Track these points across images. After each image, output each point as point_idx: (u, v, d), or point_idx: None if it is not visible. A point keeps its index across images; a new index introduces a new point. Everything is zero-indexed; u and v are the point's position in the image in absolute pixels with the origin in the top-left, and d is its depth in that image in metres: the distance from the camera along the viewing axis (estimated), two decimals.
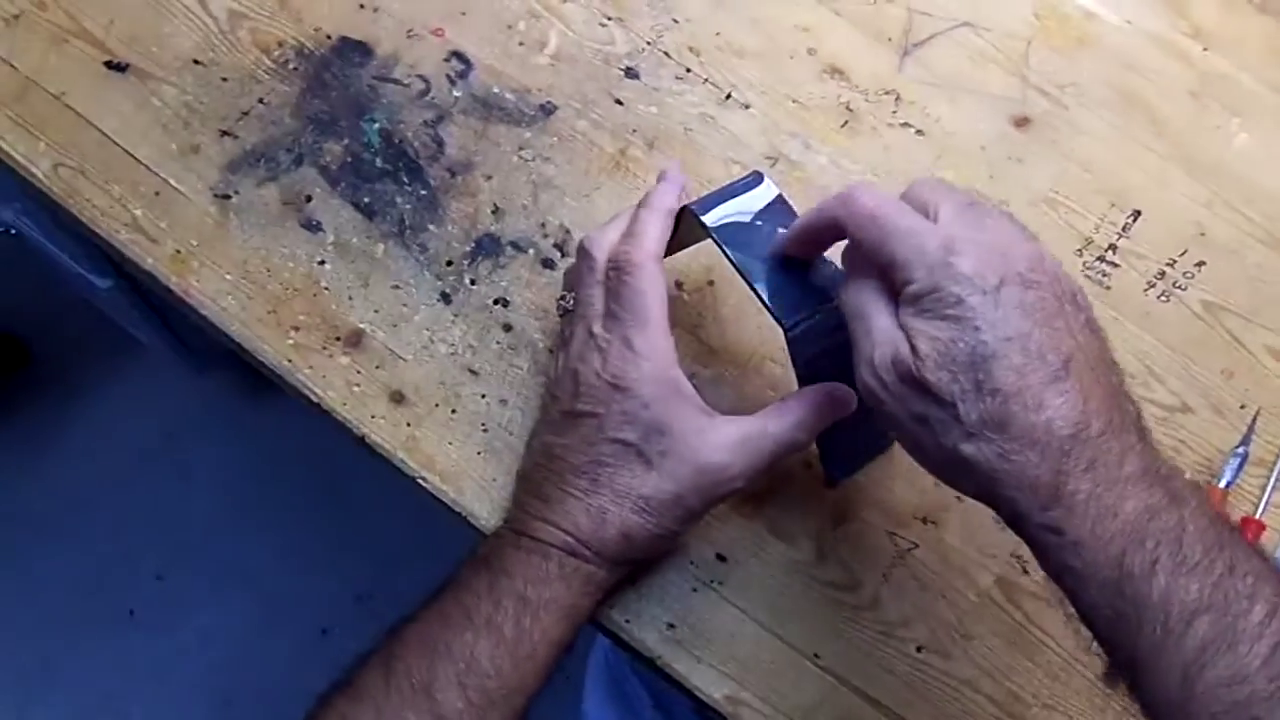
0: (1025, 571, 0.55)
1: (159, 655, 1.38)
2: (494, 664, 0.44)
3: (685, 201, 0.50)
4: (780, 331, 0.47)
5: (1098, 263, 0.62)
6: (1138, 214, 0.63)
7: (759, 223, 0.48)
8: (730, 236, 0.48)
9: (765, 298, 0.47)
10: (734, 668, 0.53)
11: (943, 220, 0.40)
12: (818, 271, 0.48)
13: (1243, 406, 0.59)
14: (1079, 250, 0.62)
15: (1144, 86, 0.66)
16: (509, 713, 0.45)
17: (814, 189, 0.61)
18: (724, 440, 0.47)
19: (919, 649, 0.54)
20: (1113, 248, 0.62)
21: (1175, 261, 0.62)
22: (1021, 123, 0.64)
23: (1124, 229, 0.63)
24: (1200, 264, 0.62)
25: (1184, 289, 0.62)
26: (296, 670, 1.35)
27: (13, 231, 0.97)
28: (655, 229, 0.49)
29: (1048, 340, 0.37)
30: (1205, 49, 0.68)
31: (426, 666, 0.44)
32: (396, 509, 1.44)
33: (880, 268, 0.40)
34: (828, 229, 0.44)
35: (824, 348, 0.48)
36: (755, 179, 0.50)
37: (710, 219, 0.48)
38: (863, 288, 0.41)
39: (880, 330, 0.40)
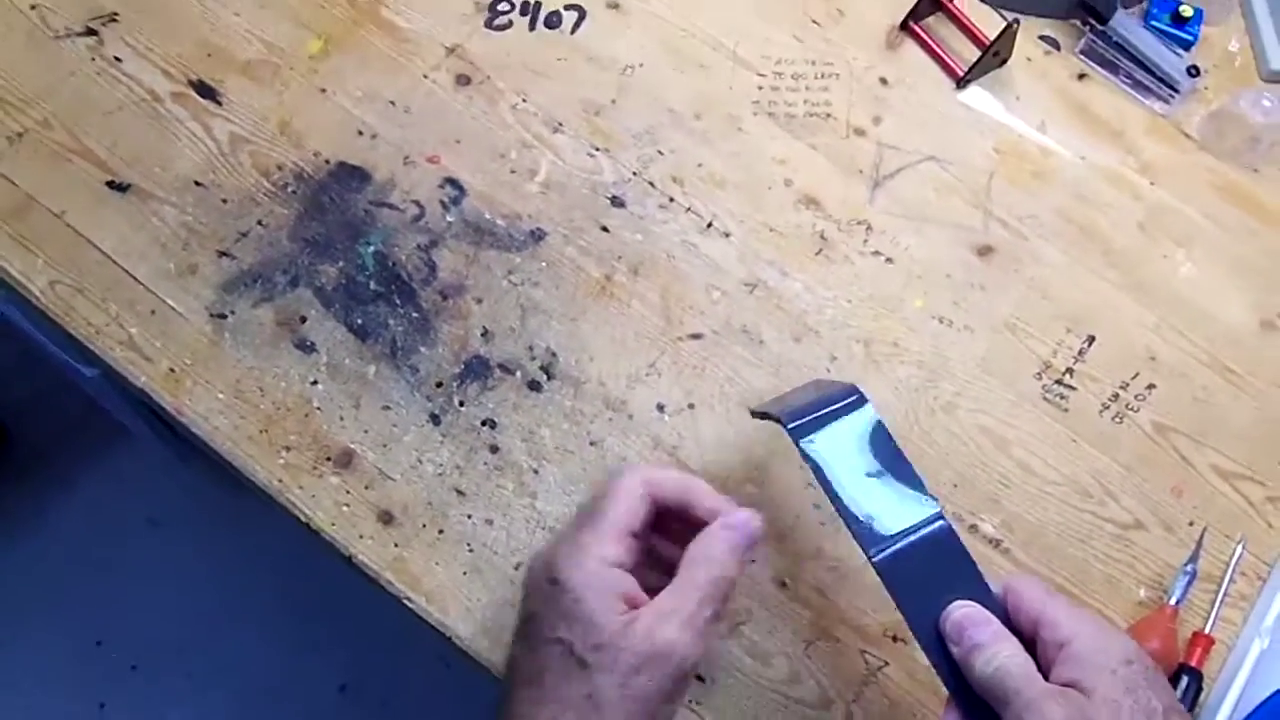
0: None
1: None
2: None
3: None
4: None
5: (1056, 385, 0.65)
6: (1092, 339, 0.67)
7: (859, 451, 0.48)
8: (831, 471, 0.47)
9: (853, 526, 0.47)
10: None
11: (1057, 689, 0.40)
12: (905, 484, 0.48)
13: (1191, 523, 0.62)
14: (1038, 374, 0.65)
15: (1097, 218, 0.70)
16: None
17: (790, 315, 0.64)
18: (657, 621, 0.43)
19: None
20: (1070, 371, 0.66)
21: (1128, 384, 0.66)
22: (984, 251, 0.68)
23: (1080, 353, 0.66)
24: (1151, 386, 0.66)
25: (1136, 410, 0.65)
26: None
27: None
28: (672, 478, 0.48)
29: None
30: (1152, 183, 0.72)
31: None
32: (380, 599, 1.43)
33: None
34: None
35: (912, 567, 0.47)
36: (857, 400, 0.49)
37: (817, 450, 0.48)
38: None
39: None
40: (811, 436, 0.48)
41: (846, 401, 0.49)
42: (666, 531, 0.49)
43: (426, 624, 0.55)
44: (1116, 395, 0.66)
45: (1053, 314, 0.67)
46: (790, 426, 0.48)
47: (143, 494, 1.47)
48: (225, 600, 1.42)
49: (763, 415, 0.51)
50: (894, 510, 0.47)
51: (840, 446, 0.48)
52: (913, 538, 0.46)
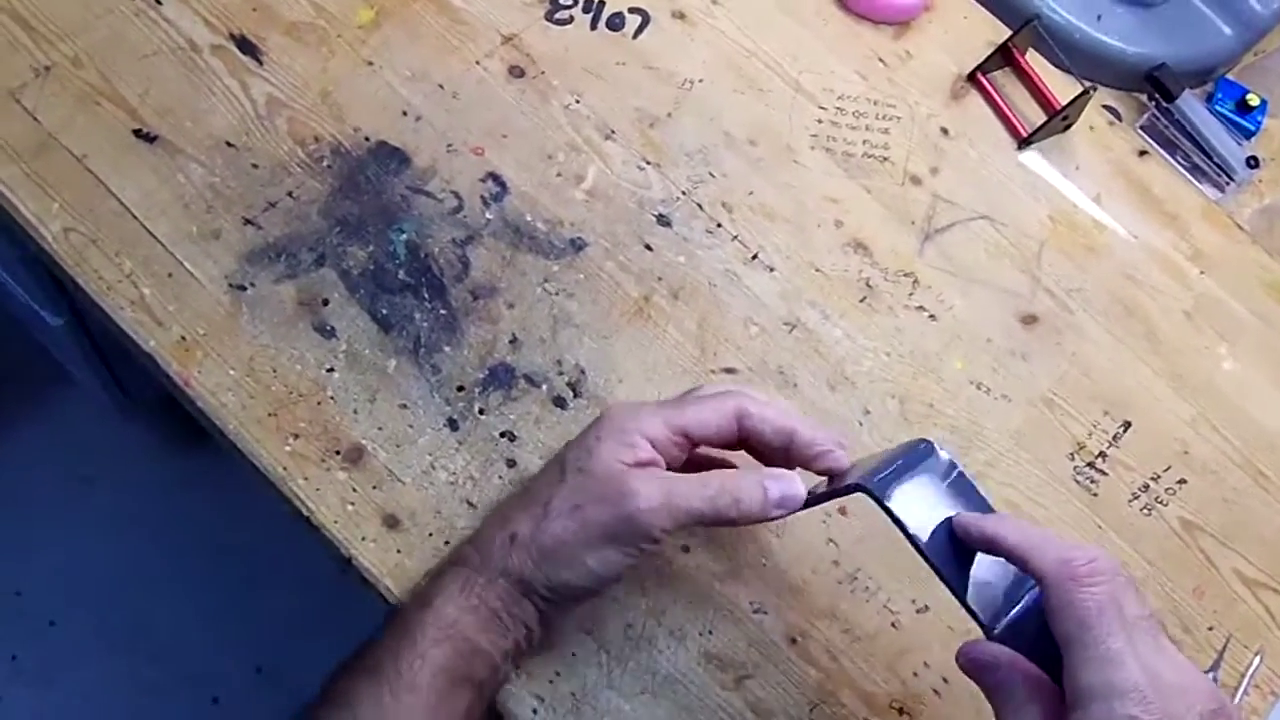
0: None
1: (38, 707, 1.30)
2: (373, 700, 0.42)
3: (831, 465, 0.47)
4: None
5: (1088, 468, 0.63)
6: (1128, 424, 0.65)
7: (940, 502, 0.45)
8: (907, 511, 0.44)
9: (966, 601, 0.43)
10: None
11: (1137, 650, 0.38)
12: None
13: (1210, 628, 0.61)
14: (1071, 454, 0.63)
15: (1144, 300, 0.69)
16: None
17: (828, 362, 0.62)
18: (640, 472, 0.45)
19: None
20: (1103, 455, 0.64)
21: (1159, 476, 0.64)
22: (1029, 320, 0.66)
23: (1114, 438, 0.64)
24: (1182, 481, 0.64)
25: (1165, 504, 0.63)
26: None
27: None
28: (774, 424, 0.46)
29: None
30: (1202, 272, 0.71)
31: (314, 717, 0.43)
32: (311, 583, 1.39)
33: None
34: (1020, 564, 0.42)
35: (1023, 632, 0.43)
36: (927, 449, 0.46)
37: (898, 506, 0.44)
38: (1020, 689, 0.40)
39: None
40: (890, 490, 0.44)
41: (917, 451, 0.46)
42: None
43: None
44: (1147, 486, 0.64)
45: (1091, 393, 0.65)
46: (867, 485, 0.44)
47: (79, 449, 1.42)
48: (151, 566, 1.38)
49: (833, 494, 0.47)
50: (994, 570, 0.44)
51: (922, 500, 0.45)
52: (1025, 601, 0.43)
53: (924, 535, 0.44)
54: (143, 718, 1.31)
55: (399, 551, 0.53)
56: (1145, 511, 0.63)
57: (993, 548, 0.42)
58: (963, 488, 0.46)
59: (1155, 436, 0.65)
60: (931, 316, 0.65)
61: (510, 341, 0.58)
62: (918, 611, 0.58)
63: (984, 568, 0.44)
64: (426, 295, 0.58)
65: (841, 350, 0.62)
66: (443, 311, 0.58)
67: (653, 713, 0.53)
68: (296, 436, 0.54)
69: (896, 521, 0.44)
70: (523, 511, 0.45)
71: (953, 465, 0.46)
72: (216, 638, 1.37)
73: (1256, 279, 0.71)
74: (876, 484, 0.44)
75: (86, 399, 1.34)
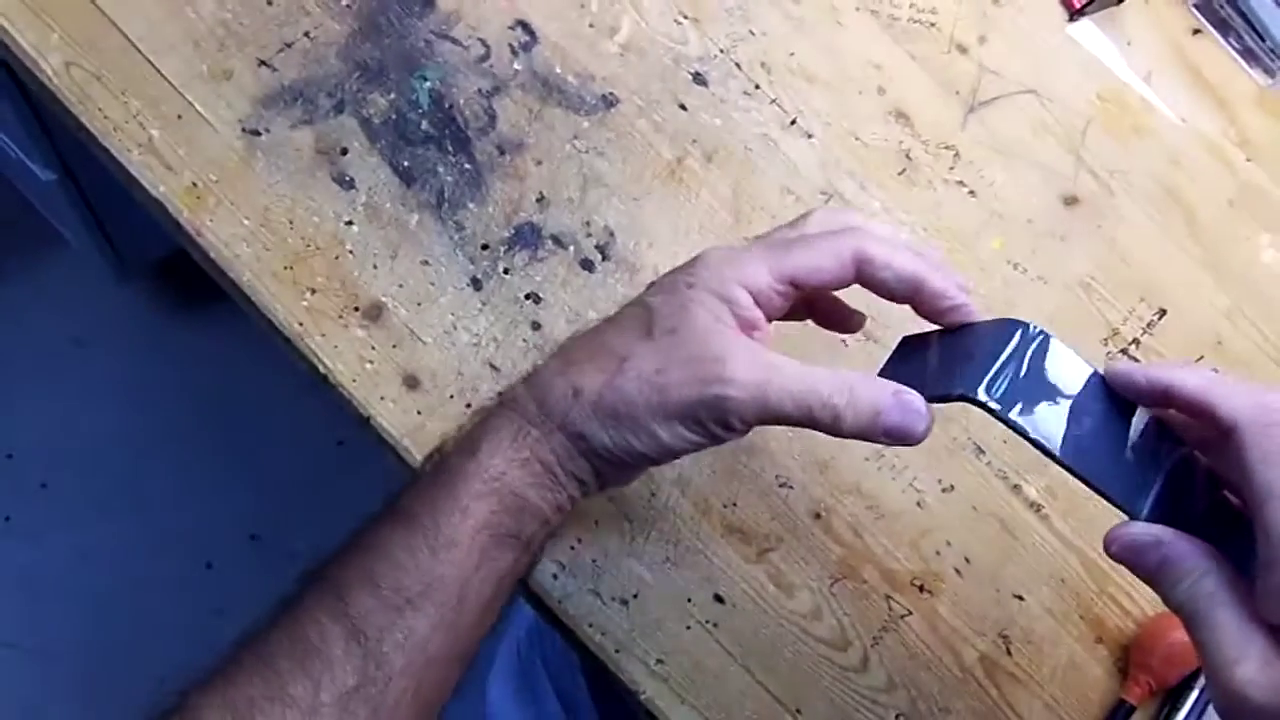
0: (1009, 653, 0.56)
1: (30, 565, 1.31)
2: (408, 553, 0.38)
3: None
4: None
5: (1121, 355, 0.62)
6: (1163, 312, 0.63)
7: (1042, 377, 0.39)
8: (1014, 405, 0.38)
9: (1103, 489, 0.38)
10: (716, 713, 0.52)
11: None
12: (1134, 420, 0.39)
13: None
14: (1105, 339, 0.62)
15: (1187, 186, 0.66)
16: (439, 613, 0.38)
17: None
18: (738, 344, 0.38)
19: (898, 717, 0.54)
20: (1136, 342, 0.62)
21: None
22: (1070, 201, 0.64)
23: (1149, 325, 0.63)
24: (1215, 370, 0.63)
25: None
26: (173, 600, 1.30)
27: None
28: (899, 265, 0.40)
29: None
30: (1249, 159, 0.68)
31: (343, 564, 0.39)
32: (307, 453, 1.39)
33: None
34: (1174, 403, 0.37)
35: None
36: (1011, 329, 0.39)
37: (990, 399, 0.38)
38: (1190, 560, 0.35)
39: (1244, 654, 0.32)
40: (993, 398, 0.37)
41: (1007, 337, 0.39)
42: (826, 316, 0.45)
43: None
44: None
45: (1128, 279, 0.64)
46: (970, 395, 0.38)
47: (71, 311, 1.40)
48: (146, 432, 1.38)
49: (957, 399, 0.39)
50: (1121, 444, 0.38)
51: (1035, 392, 0.38)
52: (1167, 470, 0.38)
53: (1041, 428, 0.38)
54: (136, 581, 1.33)
55: (419, 413, 0.51)
56: None
57: (1169, 397, 0.37)
58: (1072, 361, 0.39)
59: (1191, 326, 0.64)
60: (971, 192, 0.62)
61: (537, 200, 0.56)
62: (943, 491, 0.57)
63: (1118, 444, 0.38)
64: (450, 148, 0.55)
65: (878, 223, 0.60)
66: (467, 166, 0.55)
67: (673, 582, 0.53)
68: (313, 291, 0.52)
69: (1011, 426, 0.38)
70: (591, 362, 0.40)
71: (1050, 340, 0.39)
72: (210, 504, 1.37)
73: None
74: (969, 387, 0.38)
75: (80, 261, 1.31)
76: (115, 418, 1.38)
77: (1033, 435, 0.38)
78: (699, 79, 0.60)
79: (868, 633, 0.54)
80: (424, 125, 0.56)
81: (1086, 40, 0.68)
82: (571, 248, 0.55)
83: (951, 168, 0.62)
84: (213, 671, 0.36)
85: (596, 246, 0.56)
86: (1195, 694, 0.56)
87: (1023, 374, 0.38)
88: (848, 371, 0.39)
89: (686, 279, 0.40)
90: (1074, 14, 0.67)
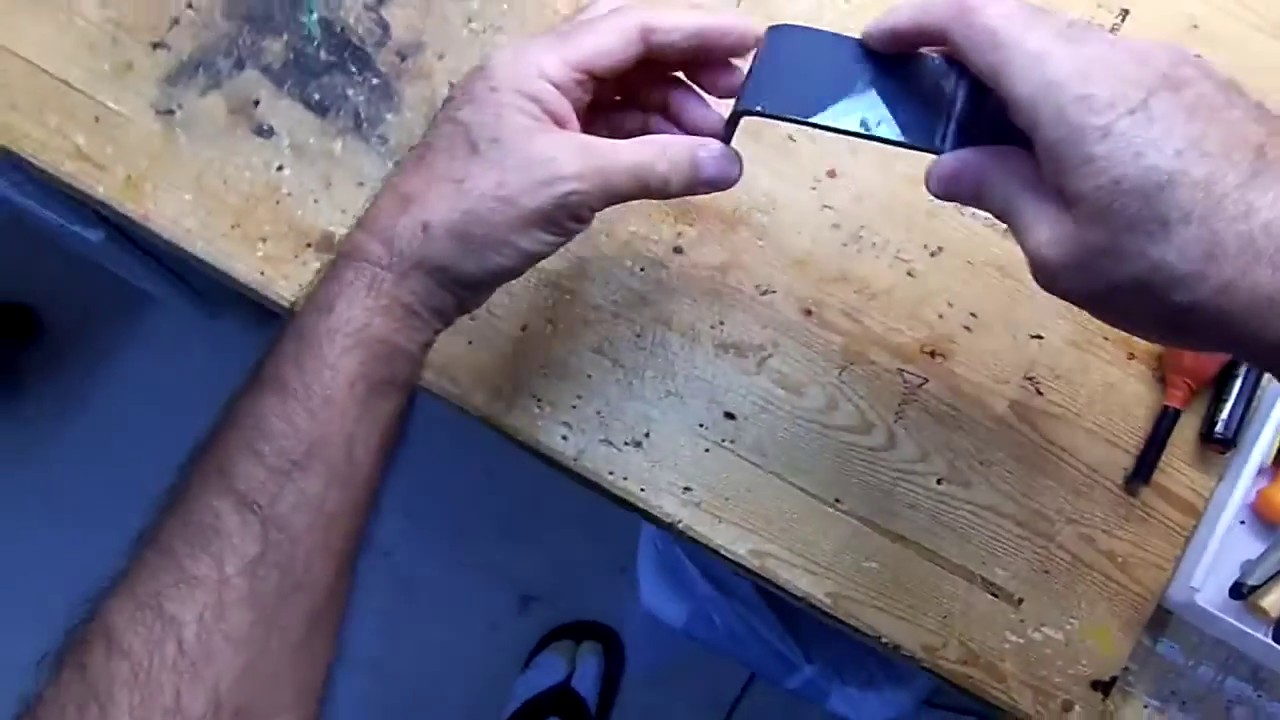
0: (1039, 393, 0.54)
1: None
2: (284, 419, 0.37)
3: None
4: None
5: None
6: (1126, 12, 0.60)
7: (808, 67, 0.40)
8: (790, 104, 0.39)
9: (902, 139, 0.38)
10: (756, 522, 0.52)
11: (1064, 38, 0.33)
12: (908, 69, 0.39)
13: None
14: None
15: None
16: (328, 470, 0.38)
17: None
18: (562, 140, 0.39)
19: (939, 481, 0.53)
20: None
21: None
22: None
23: (1113, 30, 0.59)
24: (1195, 56, 0.59)
25: None
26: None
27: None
28: (685, 23, 0.40)
29: (1227, 136, 0.31)
30: None
31: (222, 443, 0.38)
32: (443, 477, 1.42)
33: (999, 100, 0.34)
34: (928, 36, 0.37)
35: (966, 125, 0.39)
36: (772, 37, 0.41)
37: (762, 105, 0.39)
38: (997, 168, 0.36)
39: (1038, 222, 0.34)
40: (766, 105, 0.39)
41: (769, 47, 0.41)
42: (648, 100, 0.44)
43: (440, 397, 0.53)
44: None
45: None
46: (745, 109, 0.40)
47: (177, 358, 1.45)
48: None
49: (730, 125, 0.42)
50: (913, 93, 0.39)
51: (807, 83, 0.39)
52: (959, 101, 0.38)
53: (826, 115, 0.39)
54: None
55: None
56: None
57: (894, 36, 0.38)
58: (813, 38, 0.40)
59: (1157, 19, 0.60)
60: None
61: (448, 91, 0.56)
62: (931, 255, 0.56)
63: (902, 95, 0.39)
64: (354, 69, 0.56)
65: (799, 7, 0.58)
66: (375, 81, 0.56)
67: (681, 412, 0.53)
68: (265, 240, 0.54)
69: (793, 120, 0.39)
70: (429, 191, 0.39)
71: (800, 30, 0.41)
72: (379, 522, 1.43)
73: None
74: (748, 101, 0.40)
75: (170, 312, 1.37)
76: None
77: (817, 123, 0.38)
78: None
79: (888, 410, 0.54)
80: (322, 55, 0.56)
81: None
82: None
83: None
84: (116, 576, 0.36)
85: None
86: (1239, 382, 0.54)
87: (785, 71, 0.40)
88: (656, 137, 0.41)
89: (488, 84, 0.39)
90: None
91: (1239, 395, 0.53)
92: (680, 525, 0.52)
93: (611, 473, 0.52)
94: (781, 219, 0.55)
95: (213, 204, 0.54)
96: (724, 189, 0.42)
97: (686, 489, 0.52)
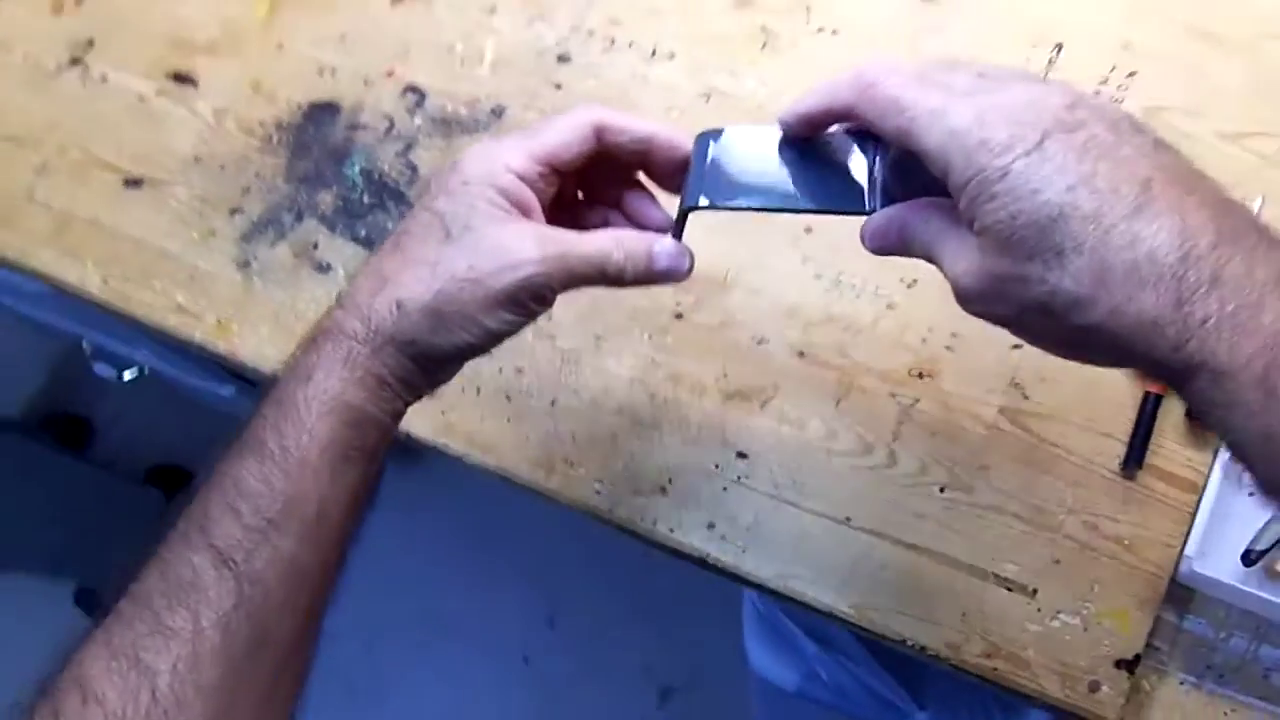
0: (1026, 397, 0.59)
1: None
2: (262, 480, 0.40)
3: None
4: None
5: None
6: (1060, 46, 0.66)
7: (739, 160, 0.45)
8: (731, 193, 0.44)
9: (836, 208, 0.44)
10: (777, 548, 0.58)
11: (960, 93, 0.37)
12: (828, 146, 0.44)
13: None
14: None
15: None
16: (301, 529, 0.40)
17: (750, 112, 0.66)
18: (526, 228, 0.43)
19: (942, 489, 0.58)
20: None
21: (1107, 79, 0.65)
22: None
23: (1051, 63, 0.66)
24: (1132, 74, 0.65)
25: (1121, 100, 0.64)
26: None
27: (146, 370, 1.08)
28: (635, 125, 0.45)
29: (1116, 172, 0.34)
30: None
31: (202, 502, 0.41)
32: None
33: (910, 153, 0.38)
34: (838, 115, 0.41)
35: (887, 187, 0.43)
36: (702, 141, 0.46)
37: (705, 199, 0.45)
38: (915, 217, 0.40)
39: (956, 256, 0.38)
40: (708, 198, 0.45)
41: (702, 145, 0.46)
42: (606, 198, 0.49)
43: (491, 474, 0.61)
44: (1098, 92, 0.65)
45: (1013, 34, 0.66)
46: (689, 206, 0.45)
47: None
48: (436, 572, 1.49)
49: (678, 223, 0.47)
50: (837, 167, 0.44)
51: (738, 178, 0.44)
52: (877, 166, 0.43)
53: (760, 199, 0.44)
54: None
55: (442, 413, 0.62)
56: None
57: (808, 121, 0.42)
58: (746, 135, 0.45)
59: (1091, 45, 0.66)
60: (834, 32, 0.68)
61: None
62: (908, 287, 0.62)
63: (827, 169, 0.44)
64: (391, 205, 0.67)
65: (760, 96, 0.66)
66: (407, 213, 0.66)
67: (698, 457, 0.60)
68: None
69: (735, 209, 0.44)
70: (405, 272, 0.42)
71: (726, 130, 0.46)
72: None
73: None
74: (691, 200, 0.45)
75: None
76: (400, 569, 1.51)
77: (759, 207, 0.44)
78: (563, 59, 0.69)
79: (885, 431, 0.59)
80: (365, 199, 0.67)
81: None
82: None
83: (807, 21, 0.68)
84: (93, 627, 0.38)
85: None
86: None
87: (721, 167, 0.45)
88: (614, 230, 0.46)
89: (460, 178, 0.44)
90: None
91: None
92: (710, 559, 0.58)
93: (642, 519, 0.59)
94: (768, 276, 0.62)
95: (287, 335, 0.65)
96: (677, 281, 0.46)
97: (710, 525, 0.59)
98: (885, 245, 0.43)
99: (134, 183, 0.70)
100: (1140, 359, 0.34)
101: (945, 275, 0.39)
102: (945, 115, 0.36)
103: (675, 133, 0.46)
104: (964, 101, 0.36)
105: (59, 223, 0.69)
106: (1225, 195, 0.35)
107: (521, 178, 0.44)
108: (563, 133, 0.45)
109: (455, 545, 1.55)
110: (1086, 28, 0.66)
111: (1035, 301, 0.35)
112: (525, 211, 0.44)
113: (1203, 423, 0.34)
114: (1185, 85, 0.64)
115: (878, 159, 0.43)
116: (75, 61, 0.74)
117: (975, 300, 0.38)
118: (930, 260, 0.40)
